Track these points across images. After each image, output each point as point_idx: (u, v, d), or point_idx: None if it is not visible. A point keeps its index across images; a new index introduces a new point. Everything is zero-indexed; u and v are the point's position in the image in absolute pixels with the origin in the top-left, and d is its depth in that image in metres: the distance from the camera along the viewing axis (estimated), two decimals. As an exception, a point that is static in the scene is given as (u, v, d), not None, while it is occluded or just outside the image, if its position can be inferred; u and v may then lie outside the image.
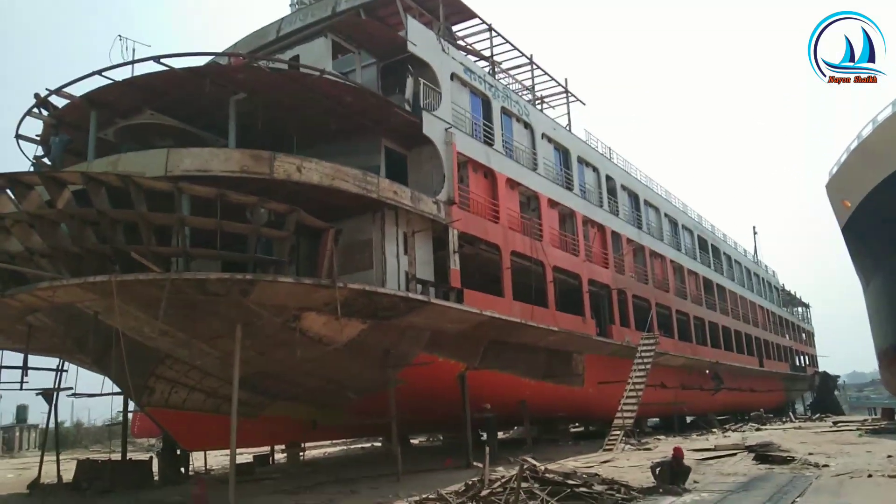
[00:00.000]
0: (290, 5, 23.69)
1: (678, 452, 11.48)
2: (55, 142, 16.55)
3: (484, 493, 10.09)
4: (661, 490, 10.76)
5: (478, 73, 21.30)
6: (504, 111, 22.28)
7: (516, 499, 9.65)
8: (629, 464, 16.26)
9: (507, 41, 23.69)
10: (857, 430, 24.54)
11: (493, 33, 23.15)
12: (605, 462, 16.86)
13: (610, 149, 30.25)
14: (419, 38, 18.65)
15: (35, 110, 17.51)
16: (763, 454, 15.02)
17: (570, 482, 10.27)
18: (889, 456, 14.37)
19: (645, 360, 23.82)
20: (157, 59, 15.41)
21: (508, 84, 24.48)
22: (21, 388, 18.16)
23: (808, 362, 64.24)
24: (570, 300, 24.23)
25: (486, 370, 19.46)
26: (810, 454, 15.32)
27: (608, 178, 29.16)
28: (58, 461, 18.75)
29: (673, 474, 11.06)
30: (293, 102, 16.67)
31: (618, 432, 21.23)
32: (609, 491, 10.21)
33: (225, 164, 14.38)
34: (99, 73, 15.81)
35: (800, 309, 67.75)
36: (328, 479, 17.15)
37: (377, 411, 19.38)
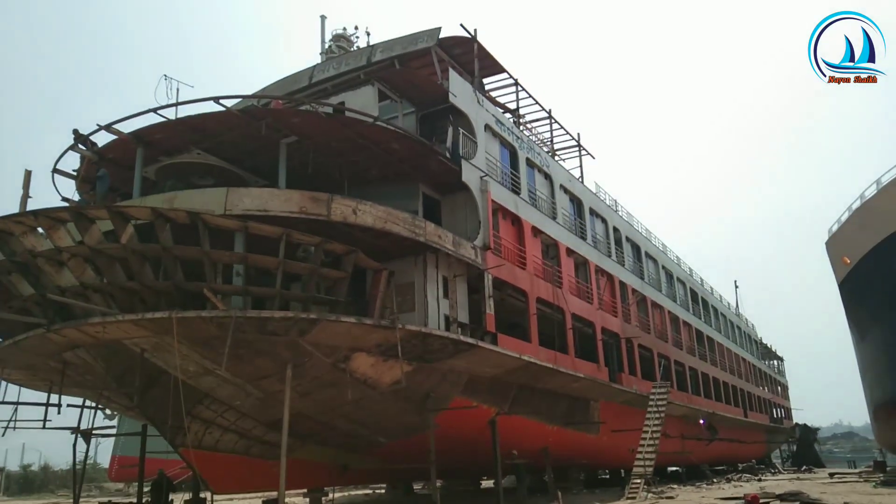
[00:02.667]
0: (321, 54, 24.20)
1: (755, 499, 11.71)
2: (102, 177, 16.52)
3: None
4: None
5: (506, 125, 21.97)
6: (528, 162, 22.92)
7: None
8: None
9: (531, 95, 24.57)
10: (867, 480, 24.97)
11: (519, 87, 23.98)
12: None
13: (616, 201, 31.16)
14: (459, 90, 19.26)
15: (77, 146, 17.56)
16: (806, 503, 15.31)
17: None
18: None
19: (660, 408, 24.11)
20: (216, 99, 15.68)
21: (530, 136, 25.19)
22: (44, 427, 17.82)
23: (783, 415, 65.25)
24: (584, 348, 24.55)
25: (514, 416, 19.54)
26: (846, 503, 15.67)
27: (615, 229, 29.92)
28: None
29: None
30: (341, 147, 16.99)
31: (638, 481, 21.33)
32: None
33: (285, 205, 14.53)
34: (154, 111, 16.00)
35: (775, 362, 69.12)
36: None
37: (405, 456, 19.31)
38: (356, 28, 25.05)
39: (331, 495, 21.24)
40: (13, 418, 17.37)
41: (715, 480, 30.76)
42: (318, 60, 23.89)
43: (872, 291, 28.20)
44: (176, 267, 13.39)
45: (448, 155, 18.50)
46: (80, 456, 17.66)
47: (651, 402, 24.44)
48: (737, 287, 59.55)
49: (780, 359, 70.66)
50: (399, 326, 14.11)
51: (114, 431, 18.42)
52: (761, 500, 16.75)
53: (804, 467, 46.77)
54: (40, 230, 13.98)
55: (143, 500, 18.63)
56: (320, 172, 17.36)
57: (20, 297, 14.70)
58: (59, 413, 16.04)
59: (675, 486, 25.40)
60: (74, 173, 18.54)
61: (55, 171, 18.10)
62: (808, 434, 58.68)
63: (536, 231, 22.30)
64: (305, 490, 19.89)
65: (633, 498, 20.34)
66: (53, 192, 18.76)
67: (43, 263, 13.70)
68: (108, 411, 36.07)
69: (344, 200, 15.11)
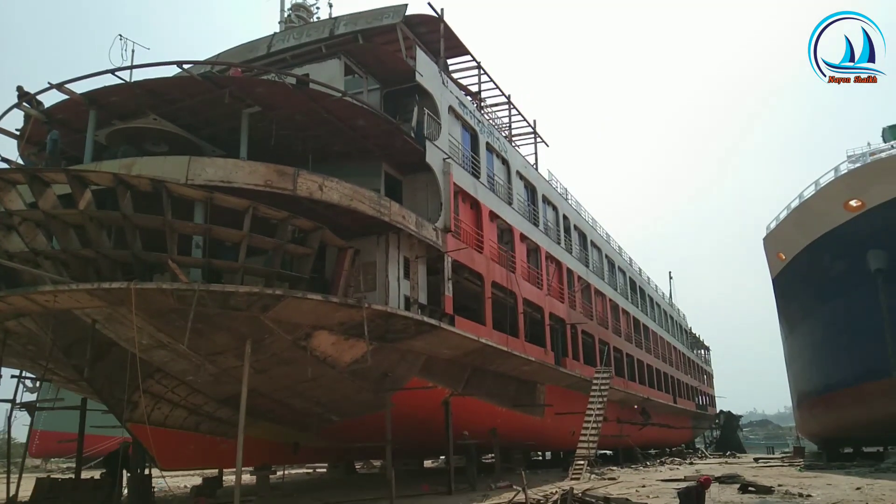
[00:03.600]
0: (280, 23, 23.56)
1: (707, 481, 12.21)
2: (52, 139, 15.70)
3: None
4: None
5: (469, 108, 21.97)
6: (488, 146, 23.01)
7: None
8: (625, 489, 16.89)
9: (492, 80, 24.61)
10: (791, 465, 26.41)
11: (481, 71, 23.98)
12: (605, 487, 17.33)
13: (567, 189, 31.65)
14: (425, 70, 19.13)
15: (23, 104, 16.63)
16: (745, 484, 16.09)
17: (613, 505, 10.76)
18: (857, 488, 15.77)
19: (602, 392, 24.81)
20: (180, 63, 15.09)
21: (490, 121, 25.27)
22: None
23: (707, 402, 68.13)
24: (532, 332, 24.97)
25: (467, 397, 19.75)
26: (780, 485, 16.54)
27: (565, 217, 30.43)
28: (8, 481, 17.34)
29: (699, 501, 11.76)
30: (304, 121, 16.65)
31: (582, 462, 21.94)
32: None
33: (249, 177, 14.16)
34: (111, 72, 15.26)
35: (702, 351, 71.98)
36: (317, 503, 16.81)
37: (357, 435, 19.29)
38: (316, -1, 24.49)
39: (281, 473, 20.97)
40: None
41: (648, 463, 31.92)
42: (277, 30, 23.30)
43: (803, 287, 29.73)
44: (135, 236, 12.90)
45: (413, 135, 18.39)
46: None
47: (595, 387, 25.11)
48: (671, 278, 61.61)
49: (707, 348, 73.62)
50: (365, 306, 13.99)
51: (57, 405, 17.60)
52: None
53: (728, 452, 49.03)
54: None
55: (98, 475, 18.02)
56: (280, 145, 16.98)
57: (-39, 261, 13.88)
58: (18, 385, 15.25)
59: (614, 468, 26.26)
60: (17, 132, 17.62)
61: (-4, 130, 17.11)
62: (731, 421, 61.56)
63: (493, 216, 22.46)
64: (252, 468, 19.55)
65: (578, 478, 20.91)
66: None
67: (-10, 227, 12.97)
68: (28, 384, 34.56)
69: (311, 176, 14.84)
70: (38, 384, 32.55)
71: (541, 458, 35.90)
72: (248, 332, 14.19)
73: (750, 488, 15.66)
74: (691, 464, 31.56)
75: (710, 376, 73.00)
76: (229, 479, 22.73)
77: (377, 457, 26.80)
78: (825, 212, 25.81)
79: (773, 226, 30.87)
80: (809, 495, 14.34)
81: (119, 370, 15.20)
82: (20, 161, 17.80)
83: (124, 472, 17.36)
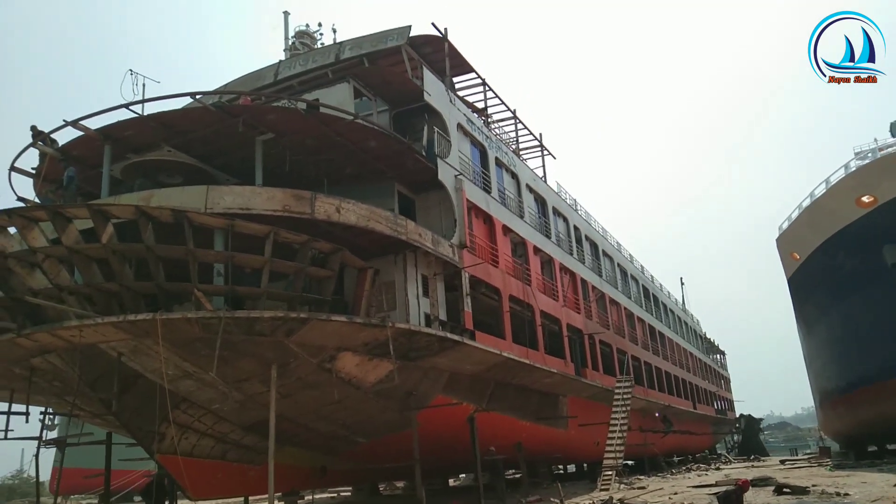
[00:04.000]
0: (285, 50, 23.84)
1: (745, 484, 12.10)
2: (69, 175, 15.87)
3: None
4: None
5: (476, 125, 22.11)
6: (497, 161, 23.12)
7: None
8: (658, 497, 16.72)
9: (497, 95, 24.78)
10: (820, 465, 26.11)
11: (486, 87, 24.16)
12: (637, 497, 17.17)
13: (576, 200, 31.71)
14: (433, 89, 19.30)
15: (38, 143, 16.83)
16: (779, 486, 15.91)
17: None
18: (894, 485, 15.58)
19: (626, 402, 24.66)
20: (193, 94, 15.27)
21: (497, 136, 25.41)
22: (6, 437, 16.96)
23: (726, 406, 67.56)
24: (551, 344, 24.90)
25: (491, 412, 19.67)
26: (814, 486, 16.36)
27: (575, 227, 30.46)
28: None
29: (737, 504, 11.66)
30: (316, 145, 16.80)
31: (610, 472, 21.75)
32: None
33: (268, 203, 14.28)
34: (125, 106, 15.47)
35: (718, 356, 71.50)
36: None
37: (383, 456, 19.21)
38: (319, 25, 24.79)
39: (309, 497, 20.87)
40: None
41: (674, 471, 31.61)
42: (283, 57, 23.55)
43: (819, 286, 29.57)
44: (158, 267, 12.98)
45: (424, 153, 18.51)
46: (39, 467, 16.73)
47: (617, 396, 24.96)
48: (682, 284, 61.41)
49: (723, 353, 73.13)
50: (389, 324, 14.01)
51: (84, 440, 17.57)
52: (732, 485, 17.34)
53: (752, 456, 48.52)
54: (11, 230, 13.38)
55: None
56: (293, 171, 17.11)
57: (-15, 301, 13.98)
58: (27, 422, 15.30)
59: (641, 477, 26.02)
60: (33, 171, 17.80)
61: (13, 169, 17.30)
62: (752, 424, 60.97)
63: (506, 230, 22.51)
64: (280, 494, 19.49)
65: (607, 489, 20.72)
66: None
67: (14, 265, 13.07)
68: (48, 421, 34.50)
69: (327, 199, 14.95)
70: (54, 420, 32.63)
71: (563, 470, 35.58)
72: (273, 357, 14.23)
73: (785, 490, 15.49)
74: (717, 469, 31.24)
75: (727, 381, 72.45)
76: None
77: (403, 477, 26.60)
78: (837, 209, 25.76)
79: (785, 226, 30.81)
80: (847, 494, 14.17)
81: (145, 402, 15.24)
82: (36, 200, 18.00)
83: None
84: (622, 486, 21.42)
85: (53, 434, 30.75)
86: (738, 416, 63.94)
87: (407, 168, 18.34)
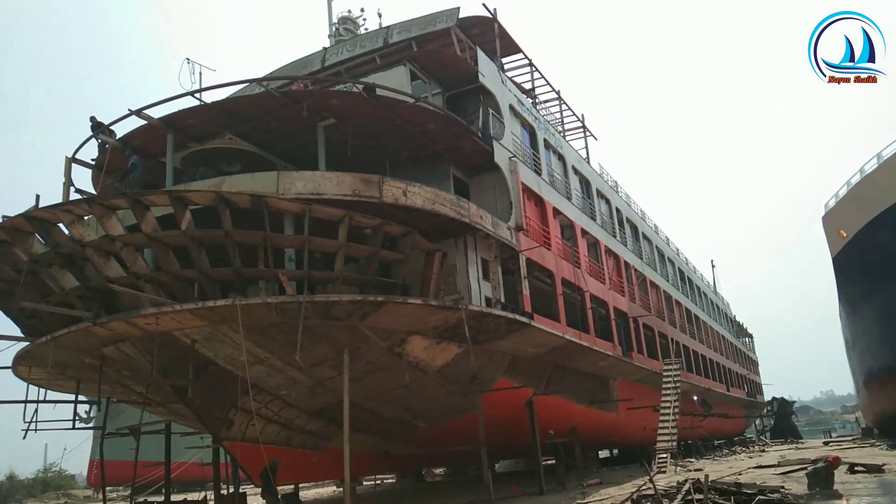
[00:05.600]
0: (329, 36, 23.74)
1: (836, 461, 11.97)
2: (133, 164, 15.90)
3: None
4: (818, 496, 11.19)
5: (526, 106, 21.93)
6: (545, 142, 22.93)
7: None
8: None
9: (543, 76, 24.58)
10: (872, 445, 25.81)
11: (533, 68, 23.96)
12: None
13: (616, 182, 31.46)
14: (487, 70, 19.13)
15: (97, 135, 16.88)
16: (851, 465, 15.76)
17: (747, 491, 10.56)
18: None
19: (676, 384, 24.52)
20: (260, 81, 15.21)
21: (545, 117, 25.23)
22: (73, 427, 17.13)
23: (755, 390, 67.13)
24: (599, 327, 24.78)
25: (549, 396, 19.62)
26: (884, 465, 16.17)
27: (617, 210, 30.23)
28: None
29: (828, 480, 11.54)
30: (377, 130, 16.71)
31: (665, 455, 21.67)
32: (783, 498, 10.54)
33: (337, 188, 14.23)
34: (192, 94, 15.48)
35: (746, 339, 70.98)
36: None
37: (441, 441, 19.24)
38: (362, 10, 24.66)
39: (369, 482, 20.92)
40: (34, 419, 16.64)
41: (717, 455, 31.45)
42: (326, 44, 23.46)
43: (867, 264, 29.12)
44: (235, 253, 12.98)
45: (479, 136, 18.37)
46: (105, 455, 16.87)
47: (667, 379, 24.82)
48: (713, 266, 60.83)
49: (751, 336, 72.60)
50: (462, 307, 13.96)
51: (152, 428, 17.72)
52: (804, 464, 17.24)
53: (788, 439, 48.24)
54: (86, 219, 13.44)
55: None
56: (353, 157, 17.04)
57: (60, 290, 14.06)
58: (98, 410, 15.40)
59: (692, 460, 25.92)
60: (92, 162, 17.86)
61: (69, 162, 17.31)
62: (785, 407, 60.47)
63: (556, 212, 22.35)
64: (338, 480, 19.59)
65: (663, 472, 20.65)
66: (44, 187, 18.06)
67: (91, 254, 13.12)
68: (84, 413, 34.78)
69: (394, 182, 14.89)
70: (90, 412, 32.88)
71: (608, 455, 35.49)
72: (346, 341, 14.23)
73: (857, 468, 15.34)
74: (762, 452, 31.05)
75: (756, 364, 71.98)
76: (305, 494, 22.86)
77: (459, 462, 26.58)
78: (889, 185, 25.33)
79: (832, 203, 30.37)
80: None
81: (215, 389, 15.34)
82: (93, 192, 18.05)
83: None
84: (677, 468, 21.32)
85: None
86: (770, 399, 63.44)
87: (463, 151, 18.21)
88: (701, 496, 10.05)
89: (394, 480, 29.76)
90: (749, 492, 10.41)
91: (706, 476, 11.02)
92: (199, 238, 12.82)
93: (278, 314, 13.08)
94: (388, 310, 13.45)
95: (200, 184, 14.38)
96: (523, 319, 16.13)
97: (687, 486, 10.39)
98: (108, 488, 48.49)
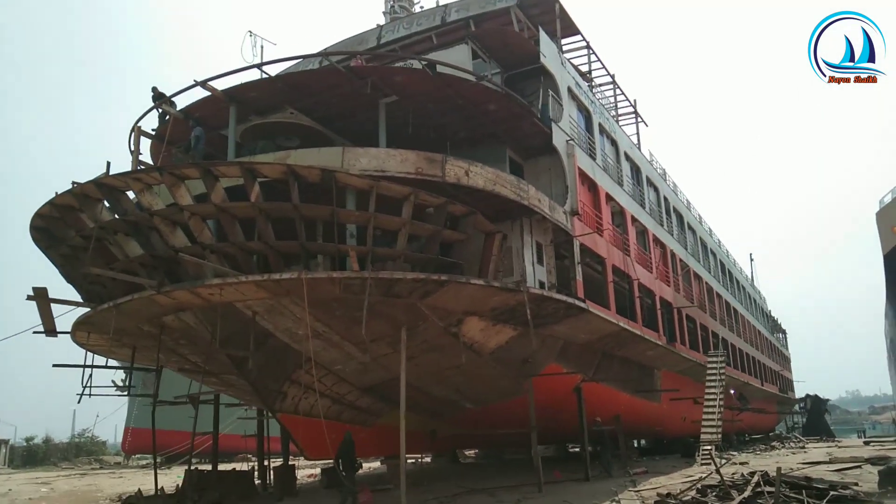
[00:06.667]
0: (384, 13, 23.59)
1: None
2: (196, 135, 15.99)
3: (738, 497, 10.04)
4: (890, 494, 10.97)
5: (583, 88, 21.62)
6: (600, 127, 22.61)
7: (777, 501, 9.66)
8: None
9: (599, 59, 24.20)
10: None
11: (591, 51, 23.59)
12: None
13: (665, 170, 30.99)
14: (547, 51, 18.86)
15: (159, 105, 16.98)
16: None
17: (818, 486, 10.37)
18: None
19: (721, 377, 24.22)
20: (324, 55, 15.16)
21: (600, 101, 24.88)
22: (129, 394, 17.45)
23: (787, 386, 66.24)
24: (644, 317, 24.52)
25: (596, 383, 19.49)
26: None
27: (665, 199, 29.80)
28: (155, 472, 17.84)
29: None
30: (437, 108, 16.57)
31: (709, 447, 21.45)
32: (856, 495, 10.34)
33: (402, 166, 14.17)
34: (258, 66, 15.53)
35: (780, 335, 69.97)
36: (461, 489, 16.78)
37: (487, 423, 19.25)
38: (417, -12, 24.43)
39: (418, 461, 21.03)
40: (89, 384, 16.91)
41: (755, 450, 31.11)
42: (381, 22, 23.33)
43: (923, 261, 28.43)
44: (301, 227, 13.00)
45: (538, 117, 18.15)
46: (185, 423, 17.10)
47: (712, 371, 24.53)
48: (752, 260, 59.94)
49: (784, 332, 71.59)
50: (524, 289, 13.86)
51: (207, 398, 17.95)
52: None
53: (822, 437, 47.53)
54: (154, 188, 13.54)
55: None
56: (413, 135, 16.94)
57: (125, 258, 14.22)
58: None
59: (734, 453, 25.65)
60: (153, 133, 17.98)
61: (138, 131, 17.44)
62: (818, 405, 59.57)
63: (609, 198, 22.07)
64: (383, 457, 19.72)
65: (708, 463, 20.43)
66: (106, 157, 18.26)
67: (159, 222, 13.23)
68: (118, 381, 35.46)
69: (457, 162, 14.78)
70: (128, 381, 33.51)
71: (637, 444, 35.35)
72: (405, 319, 14.23)
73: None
74: (802, 448, 30.64)
75: (788, 360, 70.99)
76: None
77: (504, 445, 26.66)
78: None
79: (887, 199, 29.60)
80: None
81: (271, 361, 15.48)
82: (150, 162, 18.21)
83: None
84: (722, 461, 21.08)
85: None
86: (803, 396, 62.58)
87: (521, 132, 18.01)
88: (771, 488, 9.88)
89: (429, 460, 29.92)
90: (820, 486, 10.23)
91: (778, 469, 10.83)
92: (266, 210, 12.85)
93: (341, 289, 13.10)
94: (450, 289, 13.40)
95: (265, 157, 14.41)
96: (582, 305, 15.99)
97: (756, 479, 10.22)
98: (144, 455, 49.48)
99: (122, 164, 17.57)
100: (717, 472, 11.36)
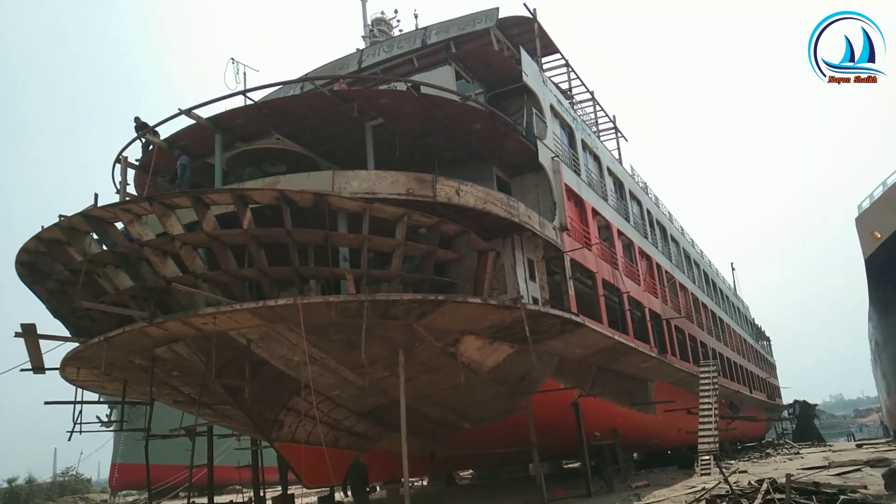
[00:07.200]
0: (364, 37, 23.71)
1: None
2: (182, 164, 15.88)
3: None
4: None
5: (565, 105, 21.84)
6: (582, 143, 22.82)
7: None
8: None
9: (578, 77, 24.48)
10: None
11: (570, 68, 23.86)
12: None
13: (646, 184, 31.27)
14: (530, 70, 19.07)
15: (142, 135, 16.86)
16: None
17: (827, 490, 10.38)
18: None
19: (714, 386, 24.28)
20: (332, 81, 15.09)
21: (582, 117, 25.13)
22: (121, 430, 17.08)
23: (774, 393, 66.62)
24: (635, 329, 24.60)
25: (593, 397, 19.46)
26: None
27: (648, 212, 30.07)
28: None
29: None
30: (422, 129, 16.63)
31: (707, 457, 21.43)
32: (865, 498, 10.36)
33: (392, 187, 14.16)
34: (242, 93, 15.47)
35: (765, 342, 70.53)
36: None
37: (484, 443, 19.09)
38: (396, 12, 24.62)
39: (420, 483, 20.76)
40: (79, 420, 16.52)
41: (751, 457, 31.17)
42: (361, 46, 23.42)
43: (903, 266, 28.85)
44: (294, 252, 12.91)
45: (523, 135, 18.27)
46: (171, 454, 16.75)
47: (705, 381, 24.59)
48: (733, 269, 60.51)
49: (768, 339, 72.17)
50: (520, 306, 13.84)
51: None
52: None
53: (813, 442, 47.81)
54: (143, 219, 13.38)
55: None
56: (400, 156, 16.95)
57: (115, 290, 13.99)
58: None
59: (731, 462, 25.68)
60: (136, 163, 17.82)
61: (121, 161, 17.27)
62: (807, 410, 59.98)
63: (595, 212, 22.22)
64: (381, 482, 19.45)
65: (707, 473, 20.43)
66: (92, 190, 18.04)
67: (149, 253, 13.06)
68: (104, 417, 34.66)
69: (447, 182, 14.82)
70: (110, 415, 32.73)
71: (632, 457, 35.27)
72: (401, 341, 14.13)
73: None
74: (797, 454, 30.77)
75: (774, 367, 71.52)
76: (339, 495, 22.63)
77: (506, 464, 26.37)
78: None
79: (866, 204, 30.10)
80: None
81: (266, 390, 15.26)
82: (134, 193, 18.01)
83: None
84: (722, 469, 21.07)
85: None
86: (792, 402, 62.99)
87: (507, 150, 18.12)
88: (781, 495, 9.86)
89: (424, 483, 29.56)
90: (829, 491, 10.24)
91: (788, 475, 10.83)
92: (259, 237, 12.75)
93: (337, 313, 12.99)
94: (447, 309, 13.35)
95: (256, 183, 14.32)
96: (578, 319, 16.00)
97: (765, 486, 10.20)
98: (129, 492, 48.23)
99: (82, 203, 17.40)
100: (726, 481, 11.34)
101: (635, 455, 35.92)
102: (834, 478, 14.62)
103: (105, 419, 32.43)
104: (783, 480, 10.98)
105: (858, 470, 17.03)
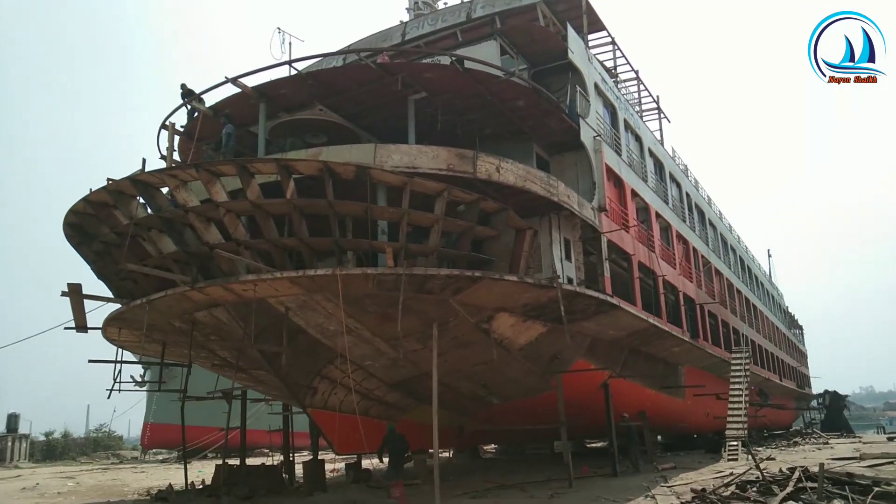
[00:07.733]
0: (408, 10, 23.55)
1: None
2: (227, 133, 16.06)
3: (781, 493, 9.99)
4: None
5: (609, 84, 21.54)
6: (625, 123, 22.52)
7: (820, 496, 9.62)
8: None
9: (624, 55, 24.08)
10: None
11: (616, 46, 23.48)
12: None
13: (687, 166, 30.82)
14: (575, 47, 18.80)
15: (187, 102, 17.06)
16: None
17: (861, 482, 10.31)
18: None
19: (746, 373, 24.11)
20: (374, 54, 15.08)
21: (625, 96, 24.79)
22: (159, 390, 17.57)
23: (804, 382, 65.79)
24: (668, 313, 24.43)
25: (623, 379, 19.45)
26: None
27: (687, 195, 29.65)
28: (185, 467, 17.95)
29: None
30: (465, 104, 16.54)
31: (735, 443, 21.38)
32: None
33: (433, 162, 14.18)
34: (288, 63, 15.55)
35: (797, 331, 69.50)
36: (490, 484, 16.79)
37: (512, 418, 19.26)
38: (441, -16, 24.33)
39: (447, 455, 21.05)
40: (118, 379, 17.02)
41: (778, 445, 30.97)
42: (404, 18, 23.28)
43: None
44: (335, 223, 13.04)
45: (566, 113, 18.09)
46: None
47: (737, 367, 24.41)
48: (770, 256, 59.44)
49: (801, 328, 71.09)
50: (556, 285, 13.85)
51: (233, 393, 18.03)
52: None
53: (842, 433, 47.25)
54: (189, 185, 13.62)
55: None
56: (442, 131, 16.93)
57: (158, 254, 14.32)
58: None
59: (759, 449, 25.57)
60: (181, 129, 18.05)
61: (167, 128, 17.52)
62: (837, 401, 59.14)
63: (634, 194, 21.99)
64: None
65: (735, 459, 20.39)
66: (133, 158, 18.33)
67: (194, 219, 13.31)
68: (138, 377, 35.60)
69: (488, 158, 14.77)
70: (144, 376, 33.59)
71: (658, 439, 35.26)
72: (436, 315, 14.24)
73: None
74: (826, 443, 30.51)
75: (805, 356, 70.55)
76: (366, 462, 23.06)
77: (518, 441, 26.69)
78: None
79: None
80: None
81: (302, 357, 15.54)
82: (177, 160, 18.29)
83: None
84: (749, 456, 21.00)
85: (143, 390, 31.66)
86: (822, 391, 62.15)
87: (548, 128, 17.96)
88: (813, 484, 9.83)
89: (449, 456, 29.99)
90: (863, 483, 10.17)
91: (821, 464, 10.77)
92: (301, 207, 12.90)
93: (375, 285, 13.13)
94: (483, 285, 13.41)
95: (297, 154, 14.46)
96: (613, 301, 15.96)
97: (797, 474, 10.17)
98: (159, 450, 49.77)
99: (129, 168, 17.75)
100: (757, 467, 11.33)
101: (659, 437, 35.96)
102: (866, 469, 14.47)
103: (139, 379, 33.44)
104: (815, 469, 10.92)
105: (891, 463, 16.81)
